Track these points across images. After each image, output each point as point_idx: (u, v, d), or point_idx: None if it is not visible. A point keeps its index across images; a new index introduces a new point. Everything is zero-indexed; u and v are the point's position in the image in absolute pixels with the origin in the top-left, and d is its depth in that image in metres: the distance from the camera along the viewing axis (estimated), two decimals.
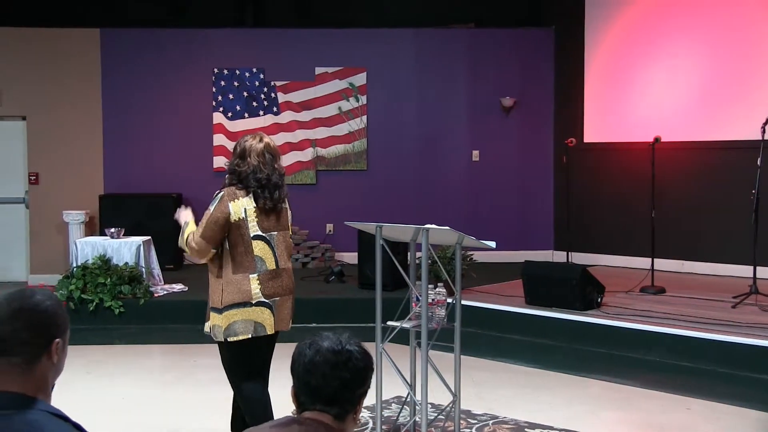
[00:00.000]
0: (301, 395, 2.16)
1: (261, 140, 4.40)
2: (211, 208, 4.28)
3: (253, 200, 4.30)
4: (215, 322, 4.32)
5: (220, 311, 4.28)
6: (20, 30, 10.91)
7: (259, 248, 4.30)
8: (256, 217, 4.30)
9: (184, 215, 4.53)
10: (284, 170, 4.49)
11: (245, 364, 4.38)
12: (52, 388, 2.09)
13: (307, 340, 2.20)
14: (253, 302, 4.28)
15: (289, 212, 4.53)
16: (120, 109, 11.01)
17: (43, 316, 2.04)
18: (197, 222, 4.39)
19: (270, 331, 4.35)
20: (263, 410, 4.36)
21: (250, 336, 4.28)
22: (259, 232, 4.31)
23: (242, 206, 4.27)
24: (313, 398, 2.13)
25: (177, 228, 4.54)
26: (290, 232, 4.54)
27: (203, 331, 4.48)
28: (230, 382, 4.44)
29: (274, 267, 4.36)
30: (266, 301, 4.31)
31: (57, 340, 2.06)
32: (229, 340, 4.28)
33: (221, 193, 4.31)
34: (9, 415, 1.95)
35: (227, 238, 4.29)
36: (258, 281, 4.29)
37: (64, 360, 2.10)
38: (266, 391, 4.45)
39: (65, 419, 1.99)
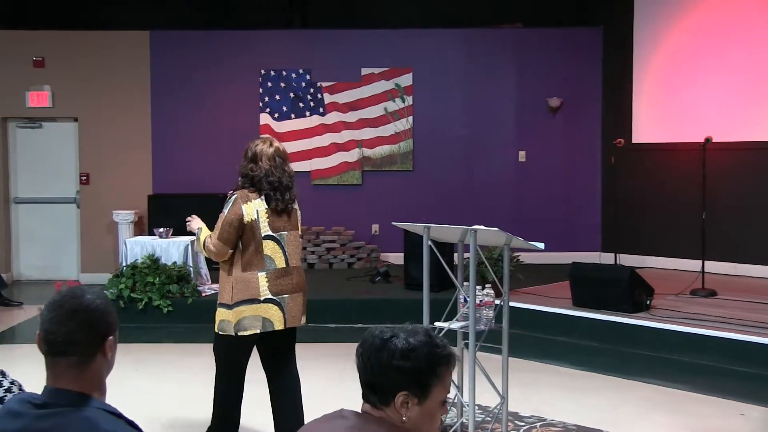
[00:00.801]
0: None
1: (271, 144, 4.58)
2: (225, 210, 4.47)
3: (264, 202, 4.48)
4: (225, 318, 4.48)
5: (230, 307, 4.46)
6: (72, 33, 11.08)
7: (269, 248, 4.48)
8: (267, 218, 4.49)
9: (196, 223, 4.74)
10: (293, 173, 4.65)
11: (240, 359, 4.58)
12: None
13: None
14: (261, 299, 4.45)
15: (299, 212, 4.71)
16: (168, 111, 11.13)
17: (95, 315, 2.06)
18: (210, 227, 4.59)
19: (279, 326, 4.51)
20: (232, 404, 4.62)
21: (258, 331, 4.45)
22: (270, 233, 4.49)
23: (254, 208, 4.46)
24: (360, 383, 2.21)
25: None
26: (300, 232, 4.71)
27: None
28: (217, 370, 4.63)
29: (284, 265, 4.54)
30: (274, 298, 4.47)
31: (110, 337, 2.09)
32: (239, 334, 4.45)
33: (234, 196, 4.49)
34: (66, 413, 1.98)
35: (240, 239, 4.46)
36: (266, 279, 4.46)
37: (114, 357, 2.13)
38: (241, 389, 4.67)
39: (119, 416, 2.02)
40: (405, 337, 2.17)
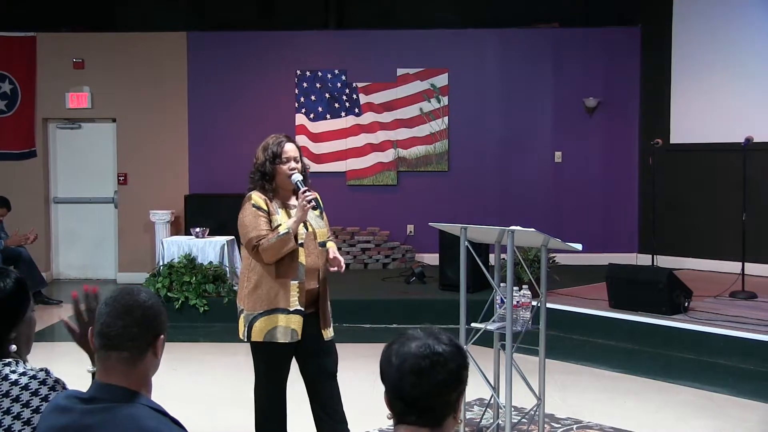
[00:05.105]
0: (396, 404, 1.98)
1: None
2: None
3: None
4: None
5: None
6: (110, 35, 11.20)
7: None
8: None
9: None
10: None
11: None
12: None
13: (394, 343, 2.01)
14: None
15: None
16: (205, 111, 11.20)
17: (149, 312, 2.11)
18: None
19: None
20: None
21: None
22: None
23: None
24: (408, 408, 1.95)
25: None
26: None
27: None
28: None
29: None
30: None
31: (161, 336, 2.13)
32: None
33: None
34: (113, 408, 2.02)
35: None
36: None
37: (161, 357, 2.16)
38: None
39: (164, 414, 2.04)
40: (439, 341, 1.96)
